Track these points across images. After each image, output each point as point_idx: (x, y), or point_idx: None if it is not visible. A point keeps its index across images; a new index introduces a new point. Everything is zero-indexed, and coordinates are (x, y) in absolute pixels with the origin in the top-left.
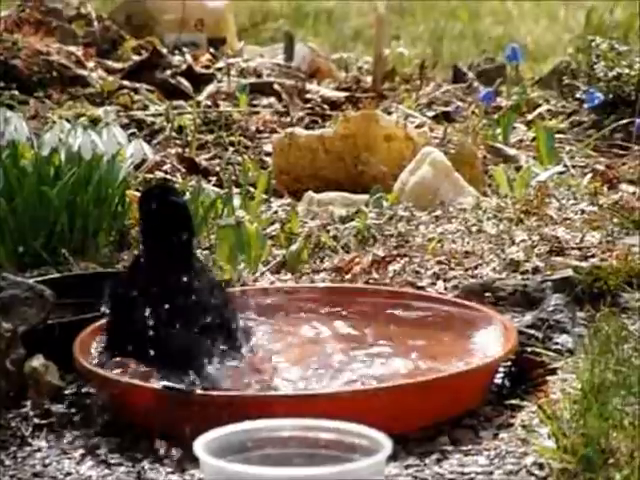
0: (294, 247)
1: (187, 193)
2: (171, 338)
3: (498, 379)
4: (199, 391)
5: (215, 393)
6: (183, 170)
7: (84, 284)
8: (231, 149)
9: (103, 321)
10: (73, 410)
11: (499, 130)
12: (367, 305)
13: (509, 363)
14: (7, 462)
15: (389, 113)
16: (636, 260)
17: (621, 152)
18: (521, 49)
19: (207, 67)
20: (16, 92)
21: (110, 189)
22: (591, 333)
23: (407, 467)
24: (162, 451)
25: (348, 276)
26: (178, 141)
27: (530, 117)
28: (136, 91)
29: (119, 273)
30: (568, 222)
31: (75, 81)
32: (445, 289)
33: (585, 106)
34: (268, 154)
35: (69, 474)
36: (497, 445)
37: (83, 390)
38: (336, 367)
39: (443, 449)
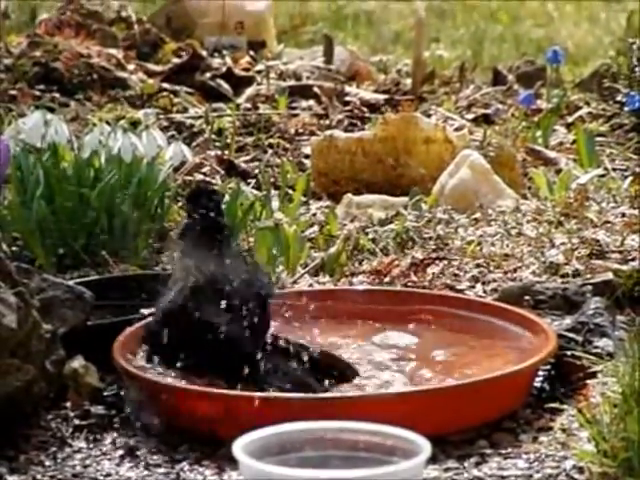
0: (333, 249)
1: (226, 195)
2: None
3: (538, 382)
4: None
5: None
6: (222, 172)
7: (124, 286)
8: (270, 151)
9: (143, 322)
10: (113, 412)
11: (539, 133)
12: (406, 309)
13: (549, 367)
14: (47, 462)
15: (428, 116)
16: None
17: None
18: (562, 51)
19: (247, 70)
20: (57, 94)
21: (150, 191)
22: (631, 336)
23: (446, 470)
24: None
25: (387, 279)
26: (217, 143)
27: (570, 120)
28: (176, 94)
29: (159, 275)
30: (608, 225)
31: (115, 84)
32: (484, 292)
33: (626, 109)
34: (307, 156)
35: (109, 475)
36: (537, 448)
37: (123, 392)
38: (380, 369)
39: (482, 452)
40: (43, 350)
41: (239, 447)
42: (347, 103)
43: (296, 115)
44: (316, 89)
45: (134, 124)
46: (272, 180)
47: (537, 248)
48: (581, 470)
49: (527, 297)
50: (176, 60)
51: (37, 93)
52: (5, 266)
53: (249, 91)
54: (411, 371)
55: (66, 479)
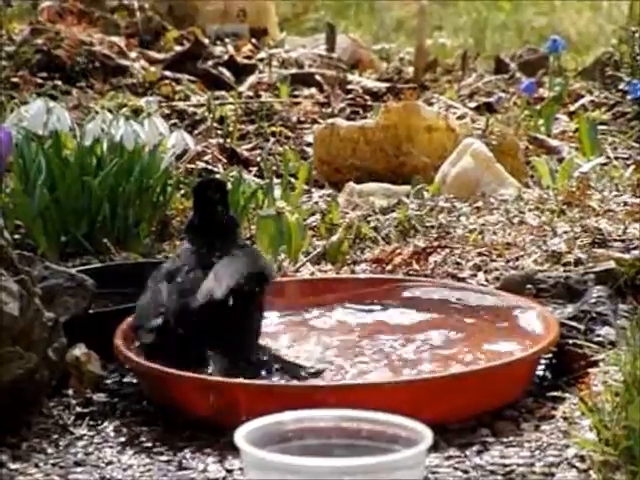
0: (334, 238)
1: (228, 183)
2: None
3: (540, 371)
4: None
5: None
6: (224, 160)
7: (126, 274)
8: (272, 139)
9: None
10: (115, 399)
11: (541, 121)
12: (413, 295)
13: (551, 355)
14: (49, 450)
15: (430, 104)
16: None
17: None
18: (564, 40)
19: (249, 58)
20: (59, 82)
21: (152, 179)
22: (633, 325)
23: (448, 458)
24: None
25: (389, 267)
26: (219, 131)
27: (573, 108)
28: (178, 81)
29: (161, 263)
30: (610, 214)
31: (117, 71)
32: (486, 280)
33: (628, 97)
34: (309, 145)
35: (111, 462)
36: (538, 437)
37: (124, 379)
38: (382, 357)
39: (484, 440)
40: (45, 338)
41: (241, 435)
42: (349, 91)
43: (298, 103)
44: (318, 77)
45: (136, 112)
46: (274, 168)
47: (539, 237)
48: (583, 459)
49: (529, 286)
50: (178, 48)
51: (39, 81)
52: (7, 254)
53: (251, 79)
54: (410, 357)
55: (68, 466)
